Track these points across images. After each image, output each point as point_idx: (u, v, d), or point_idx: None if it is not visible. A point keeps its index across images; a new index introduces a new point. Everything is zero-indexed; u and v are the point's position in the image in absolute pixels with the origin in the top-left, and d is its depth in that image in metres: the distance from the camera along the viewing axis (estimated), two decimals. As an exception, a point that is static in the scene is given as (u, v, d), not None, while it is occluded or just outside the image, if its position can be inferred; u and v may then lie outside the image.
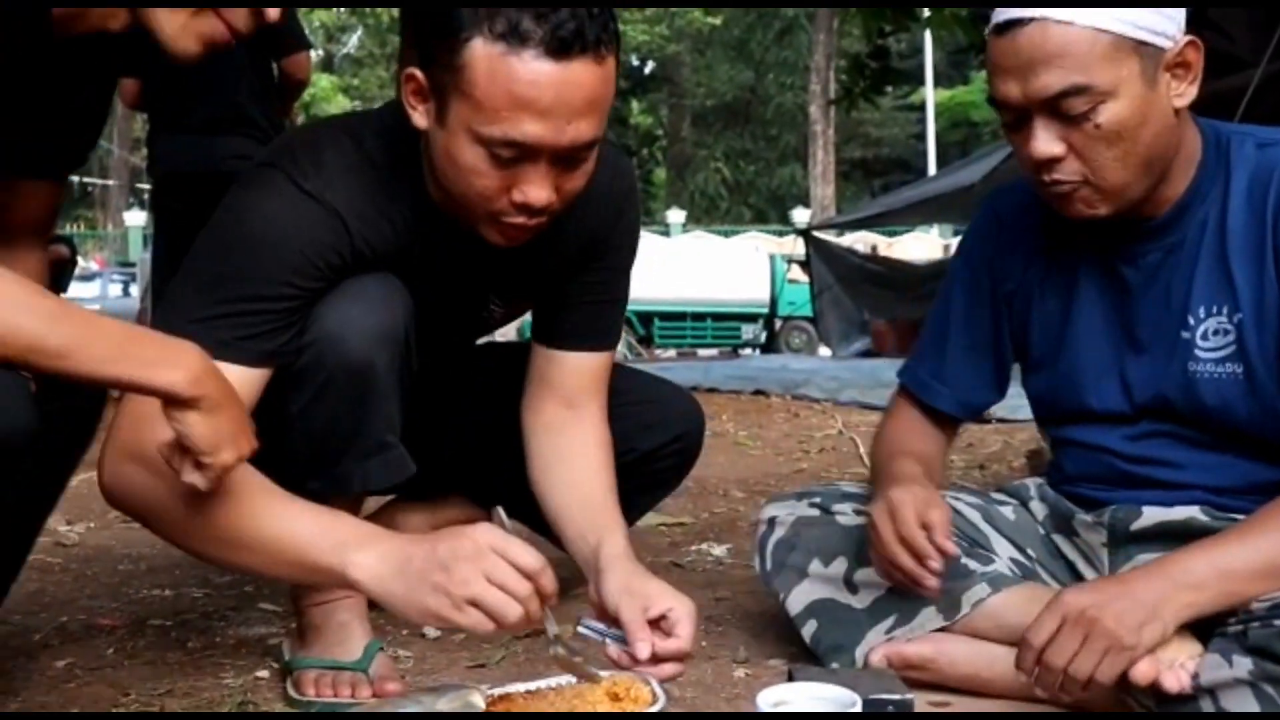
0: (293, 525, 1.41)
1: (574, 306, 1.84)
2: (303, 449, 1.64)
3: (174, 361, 1.26)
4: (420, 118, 1.56)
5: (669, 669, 1.50)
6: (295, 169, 1.62)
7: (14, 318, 1.17)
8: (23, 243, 1.61)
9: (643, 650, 1.49)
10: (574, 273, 1.83)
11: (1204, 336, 1.60)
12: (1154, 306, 1.64)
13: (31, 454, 1.24)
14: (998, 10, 1.53)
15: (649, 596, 1.53)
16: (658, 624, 1.52)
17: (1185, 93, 1.53)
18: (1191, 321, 1.61)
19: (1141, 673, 1.39)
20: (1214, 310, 1.59)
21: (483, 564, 1.33)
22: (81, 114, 1.55)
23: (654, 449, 2.04)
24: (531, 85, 1.44)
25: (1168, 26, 1.50)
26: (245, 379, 1.53)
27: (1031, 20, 1.48)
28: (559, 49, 1.44)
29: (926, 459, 1.73)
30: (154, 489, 1.43)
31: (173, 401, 1.26)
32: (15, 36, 1.31)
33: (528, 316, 1.96)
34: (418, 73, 1.54)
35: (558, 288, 1.84)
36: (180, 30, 1.39)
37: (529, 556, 1.35)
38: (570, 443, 1.81)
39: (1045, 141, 1.51)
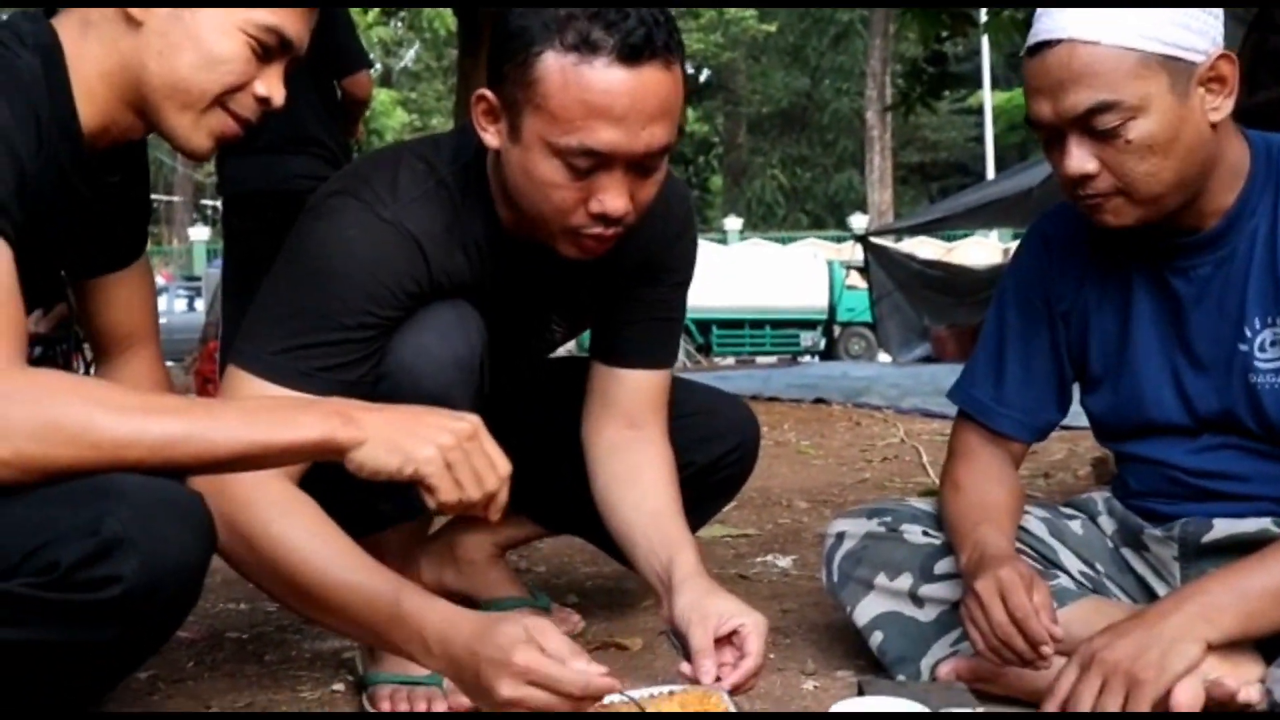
0: (372, 603, 1.41)
1: (633, 325, 1.86)
2: None
3: (311, 411, 1.25)
4: (492, 137, 1.58)
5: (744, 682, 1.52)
6: (372, 196, 1.64)
7: (139, 423, 1.17)
8: (136, 349, 1.65)
9: (706, 675, 1.51)
10: (633, 291, 1.85)
11: (1261, 348, 1.59)
12: (1208, 319, 1.63)
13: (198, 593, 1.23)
14: (1031, 33, 1.55)
15: (720, 615, 1.54)
16: (729, 639, 1.53)
17: (1221, 106, 1.53)
18: (1248, 333, 1.60)
19: (1184, 701, 1.39)
20: (1270, 321, 1.59)
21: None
22: (129, 208, 1.60)
23: (712, 461, 2.03)
24: (605, 93, 1.47)
25: (1197, 41, 1.50)
26: None
27: (1059, 41, 1.50)
28: (630, 55, 1.46)
29: (1011, 513, 1.72)
30: (248, 558, 1.46)
31: (335, 449, 1.23)
32: (59, 157, 1.37)
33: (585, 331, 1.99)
34: (488, 93, 1.56)
35: (617, 306, 1.86)
36: (192, 128, 1.43)
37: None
38: (635, 462, 1.83)
39: (1079, 159, 1.53)
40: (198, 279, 18.92)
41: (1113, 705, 1.39)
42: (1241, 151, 1.60)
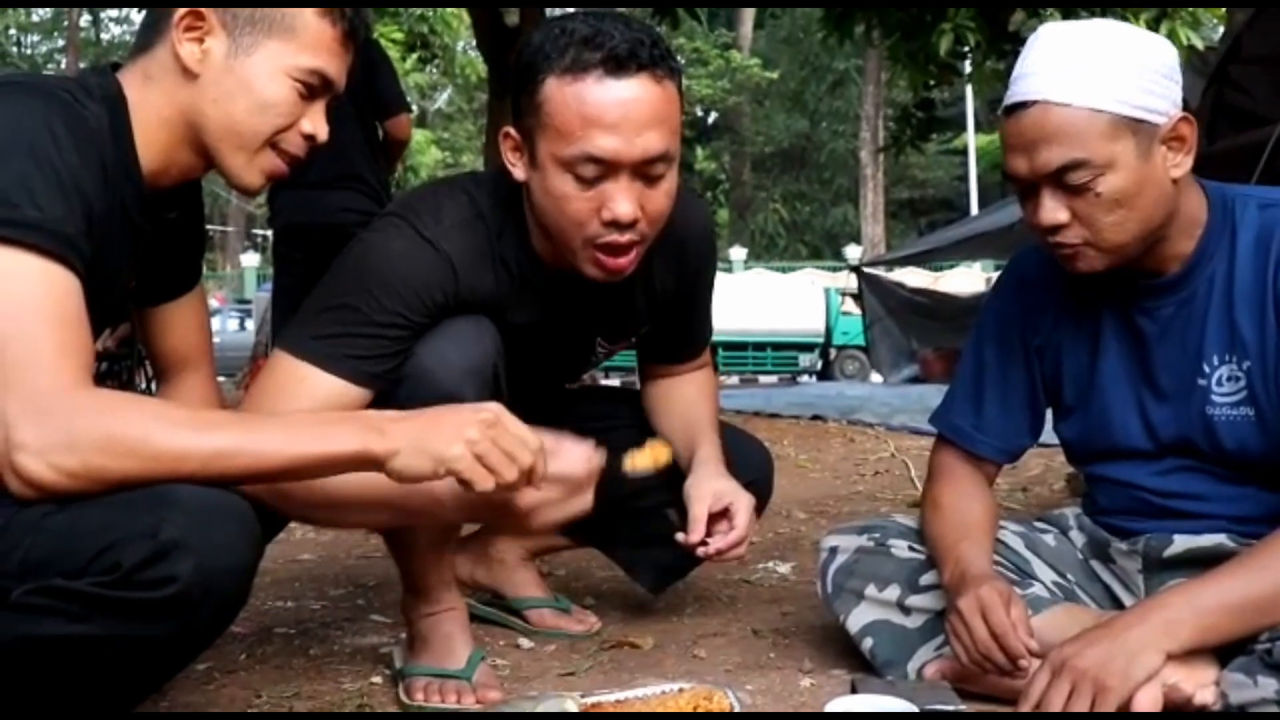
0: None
1: (671, 330, 1.98)
2: None
3: (346, 425, 1.26)
4: (519, 171, 1.63)
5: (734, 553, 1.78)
6: (417, 219, 1.68)
7: (193, 438, 1.18)
8: (192, 370, 1.66)
9: (694, 537, 1.76)
10: (672, 311, 1.92)
11: (1219, 383, 1.60)
12: (1171, 355, 1.64)
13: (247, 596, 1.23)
14: (1008, 93, 1.54)
15: (715, 494, 1.76)
16: (725, 514, 1.74)
17: (1181, 163, 1.53)
18: (1206, 369, 1.61)
19: (1145, 706, 1.40)
20: (1226, 359, 1.59)
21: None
22: (185, 242, 1.62)
23: None
24: (597, 104, 1.53)
25: (1160, 104, 1.50)
26: (348, 393, 1.59)
27: (1034, 102, 1.50)
28: (616, 68, 1.53)
29: (987, 529, 1.73)
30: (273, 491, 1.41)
31: (372, 461, 1.24)
32: (122, 197, 1.38)
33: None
34: (511, 129, 1.61)
35: (660, 327, 1.94)
36: (245, 166, 1.45)
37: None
38: (677, 389, 2.04)
39: (1051, 210, 1.53)
40: (249, 302, 18.97)
41: (1080, 709, 1.39)
42: (1199, 202, 1.61)
